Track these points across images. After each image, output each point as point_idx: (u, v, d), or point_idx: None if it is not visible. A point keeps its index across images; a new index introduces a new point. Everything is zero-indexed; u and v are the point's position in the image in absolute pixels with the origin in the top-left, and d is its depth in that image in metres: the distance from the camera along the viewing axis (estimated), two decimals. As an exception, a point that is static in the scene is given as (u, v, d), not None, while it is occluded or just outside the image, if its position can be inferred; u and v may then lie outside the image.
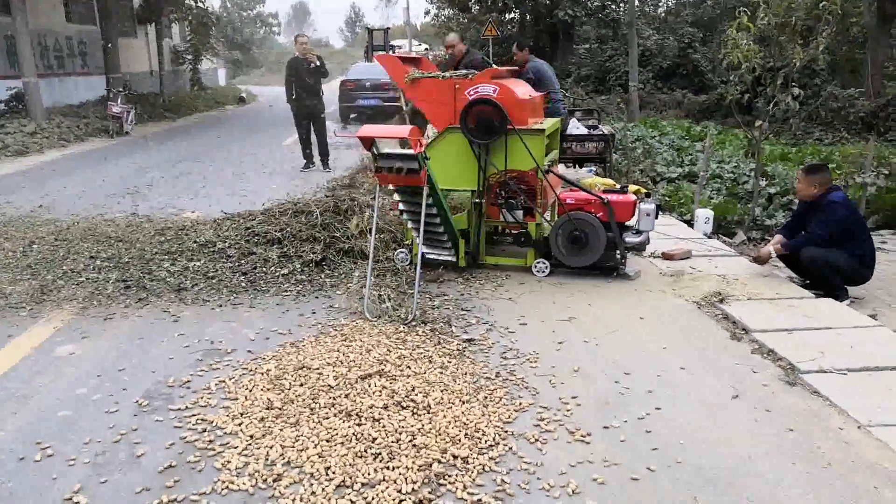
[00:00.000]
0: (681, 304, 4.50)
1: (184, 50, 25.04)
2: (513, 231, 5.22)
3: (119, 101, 14.92)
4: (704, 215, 6.44)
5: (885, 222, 6.95)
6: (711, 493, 2.55)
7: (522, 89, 5.16)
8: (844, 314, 4.33)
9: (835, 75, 16.27)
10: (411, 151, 4.05)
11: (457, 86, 4.93)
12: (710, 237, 6.26)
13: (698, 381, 3.42)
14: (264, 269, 4.97)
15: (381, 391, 3.18)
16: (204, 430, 2.94)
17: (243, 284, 4.77)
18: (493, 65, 5.46)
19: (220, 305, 4.46)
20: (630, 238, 4.92)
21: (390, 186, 4.58)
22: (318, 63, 9.66)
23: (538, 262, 5.04)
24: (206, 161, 11.28)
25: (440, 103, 5.01)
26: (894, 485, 2.60)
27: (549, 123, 5.30)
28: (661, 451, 2.81)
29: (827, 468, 2.70)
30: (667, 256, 5.45)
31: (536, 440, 2.87)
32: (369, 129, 4.11)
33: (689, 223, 6.72)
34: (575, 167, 8.44)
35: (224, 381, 3.38)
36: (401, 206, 4.73)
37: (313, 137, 9.98)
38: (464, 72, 5.01)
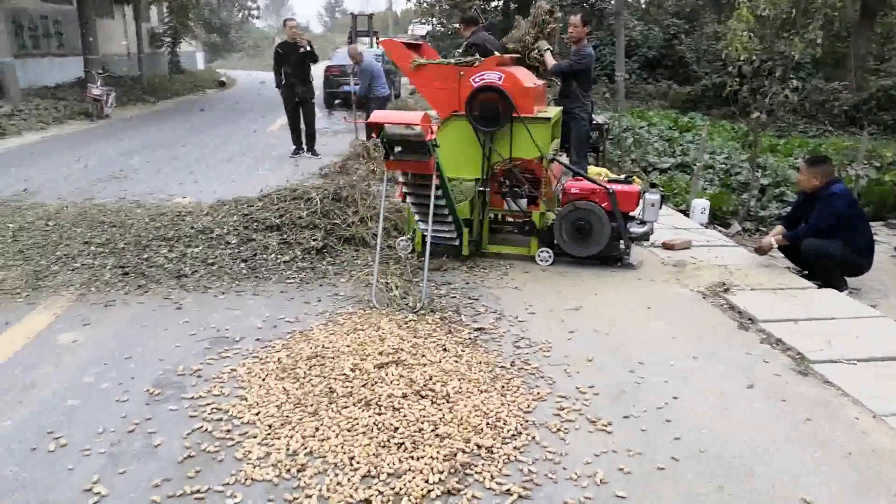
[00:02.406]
0: (686, 294, 4.52)
1: (162, 32, 24.56)
2: (515, 220, 5.18)
3: (99, 83, 14.57)
4: (701, 205, 6.47)
5: (874, 214, 7.04)
6: (734, 482, 2.56)
7: (528, 76, 5.11)
8: (846, 304, 4.38)
9: (818, 69, 16.46)
10: (422, 137, 3.98)
11: (461, 73, 4.87)
12: (706, 227, 6.29)
13: (711, 371, 3.44)
14: (264, 256, 4.89)
15: (398, 380, 3.14)
16: (220, 420, 2.88)
17: (244, 271, 4.69)
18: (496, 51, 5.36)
19: (223, 293, 4.38)
20: (634, 228, 4.92)
21: (398, 173, 4.52)
22: (308, 48, 9.49)
23: (542, 251, 5.03)
24: (191, 145, 11.07)
25: (444, 90, 4.95)
26: (912, 474, 2.63)
27: (554, 112, 5.27)
28: (683, 440, 2.81)
29: (845, 458, 2.73)
30: (667, 246, 5.47)
31: (558, 430, 2.86)
32: (380, 115, 4.04)
33: (685, 213, 6.76)
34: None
35: (235, 370, 3.31)
36: (405, 191, 4.67)
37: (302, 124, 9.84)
38: (469, 59, 4.94)
